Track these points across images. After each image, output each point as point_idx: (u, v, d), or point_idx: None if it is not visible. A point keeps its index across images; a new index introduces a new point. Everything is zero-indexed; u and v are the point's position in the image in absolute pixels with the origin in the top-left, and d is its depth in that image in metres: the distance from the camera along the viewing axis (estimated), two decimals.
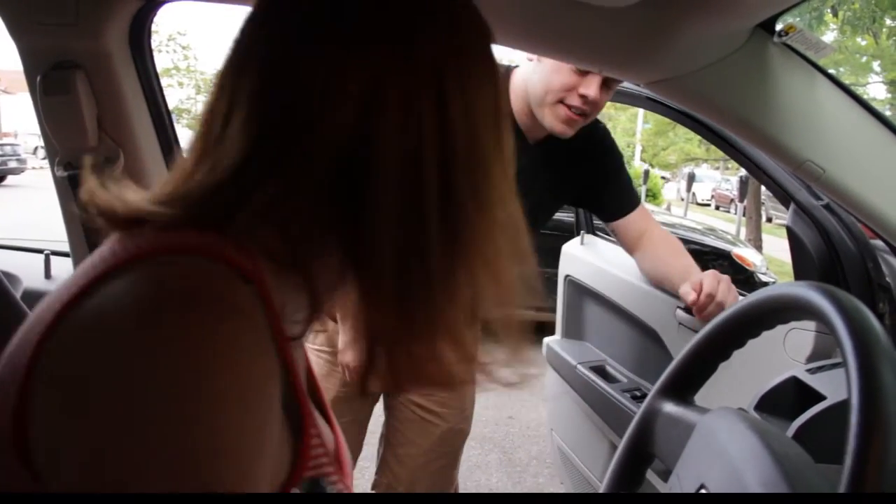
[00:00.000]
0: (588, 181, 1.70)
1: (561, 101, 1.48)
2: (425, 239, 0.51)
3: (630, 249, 1.74)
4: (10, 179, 16.76)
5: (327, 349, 1.71)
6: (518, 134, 1.57)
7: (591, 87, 1.44)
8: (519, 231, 0.60)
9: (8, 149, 17.25)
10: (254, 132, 0.51)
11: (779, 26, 1.04)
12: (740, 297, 1.40)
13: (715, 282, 1.45)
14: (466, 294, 0.56)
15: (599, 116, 1.63)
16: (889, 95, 15.26)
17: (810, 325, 1.35)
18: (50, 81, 1.27)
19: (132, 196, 0.54)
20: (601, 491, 1.04)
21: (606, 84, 1.47)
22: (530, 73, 1.52)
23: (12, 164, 16.85)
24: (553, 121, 1.50)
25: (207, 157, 0.53)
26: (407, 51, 0.51)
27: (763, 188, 11.47)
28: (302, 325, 0.54)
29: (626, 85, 1.61)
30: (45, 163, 1.44)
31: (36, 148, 23.18)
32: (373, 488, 1.86)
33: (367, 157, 0.50)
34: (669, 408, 0.94)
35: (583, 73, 1.45)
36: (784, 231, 1.54)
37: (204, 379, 0.42)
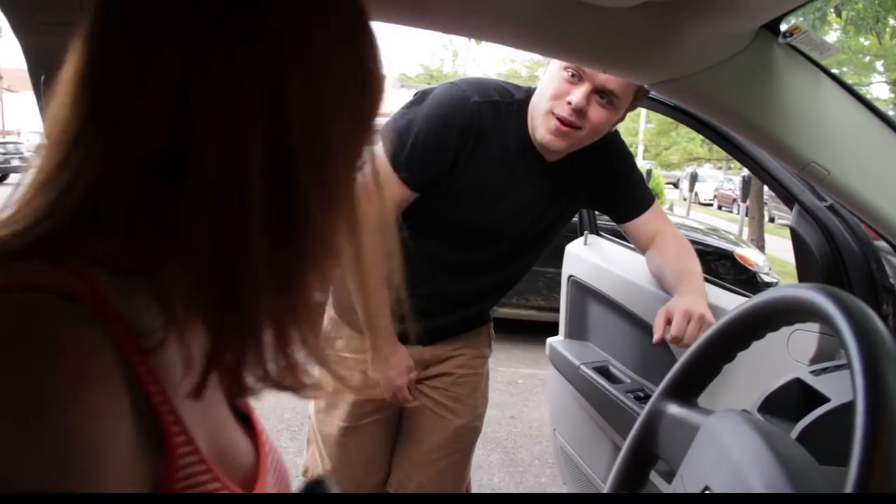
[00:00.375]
0: (599, 184, 1.68)
1: (551, 111, 1.46)
2: (249, 226, 0.47)
3: (642, 249, 1.73)
4: (13, 178, 16.79)
5: (345, 354, 1.70)
6: (537, 157, 1.56)
7: (576, 95, 1.42)
8: (382, 224, 0.58)
9: (11, 147, 17.32)
10: (72, 132, 0.49)
11: (784, 27, 1.04)
12: (741, 300, 1.39)
13: (684, 322, 1.39)
14: (306, 287, 0.52)
15: None
16: (892, 95, 15.25)
17: (814, 326, 1.35)
18: (54, 81, 1.27)
19: None
20: (605, 492, 1.04)
21: (603, 99, 1.44)
22: (536, 93, 1.52)
23: (15, 163, 16.92)
24: (543, 132, 1.48)
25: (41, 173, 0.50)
26: (231, 20, 0.46)
27: (766, 188, 11.46)
28: (160, 333, 0.49)
29: None
30: None
31: (39, 146, 23.22)
32: (387, 487, 1.86)
33: (188, 137, 0.46)
34: (673, 409, 0.94)
35: (573, 82, 1.43)
36: (786, 231, 1.54)
37: (24, 424, 0.40)
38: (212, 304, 0.48)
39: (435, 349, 1.74)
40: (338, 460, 1.77)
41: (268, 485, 0.63)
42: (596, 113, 1.45)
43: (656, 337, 1.42)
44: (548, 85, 1.48)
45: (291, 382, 0.54)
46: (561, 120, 1.44)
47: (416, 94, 1.59)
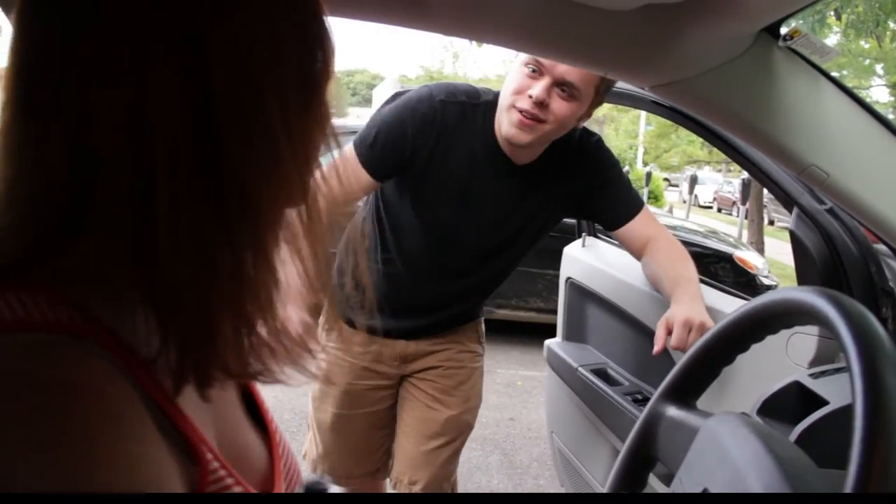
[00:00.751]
0: (584, 193, 1.68)
1: (514, 106, 1.48)
2: (178, 197, 0.45)
3: (636, 256, 1.72)
4: None
5: (336, 345, 1.76)
6: (503, 159, 1.58)
7: (536, 88, 1.44)
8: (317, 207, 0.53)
9: None
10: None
11: (784, 30, 1.04)
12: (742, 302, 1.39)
13: (685, 332, 1.39)
14: (262, 268, 0.50)
15: (601, 118, 1.62)
16: (892, 98, 15.27)
17: (813, 329, 1.35)
18: None
19: None
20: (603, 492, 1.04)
21: (564, 91, 1.46)
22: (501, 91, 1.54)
23: None
24: (507, 127, 1.50)
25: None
26: (144, 22, 0.44)
27: (765, 191, 11.48)
28: (154, 342, 0.47)
29: (628, 87, 1.61)
30: None
31: None
32: (390, 480, 1.90)
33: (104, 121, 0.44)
34: (673, 412, 0.94)
35: (534, 77, 1.45)
36: (786, 234, 1.54)
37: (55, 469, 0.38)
38: (161, 294, 0.46)
39: (419, 344, 1.78)
40: (330, 446, 1.82)
41: (282, 489, 0.63)
42: (558, 105, 1.47)
43: (657, 348, 1.42)
44: (510, 81, 1.50)
45: (254, 369, 0.52)
46: (523, 113, 1.47)
47: (392, 96, 1.67)
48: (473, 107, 1.58)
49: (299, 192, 0.51)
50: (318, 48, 0.52)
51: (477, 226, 1.63)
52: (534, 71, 1.45)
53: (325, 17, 0.53)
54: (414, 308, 1.74)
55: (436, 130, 1.54)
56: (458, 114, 1.56)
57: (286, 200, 0.51)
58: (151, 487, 0.41)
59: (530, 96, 1.45)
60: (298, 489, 0.68)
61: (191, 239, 0.45)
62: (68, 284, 0.46)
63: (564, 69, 1.43)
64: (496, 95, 1.57)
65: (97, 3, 0.44)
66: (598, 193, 1.68)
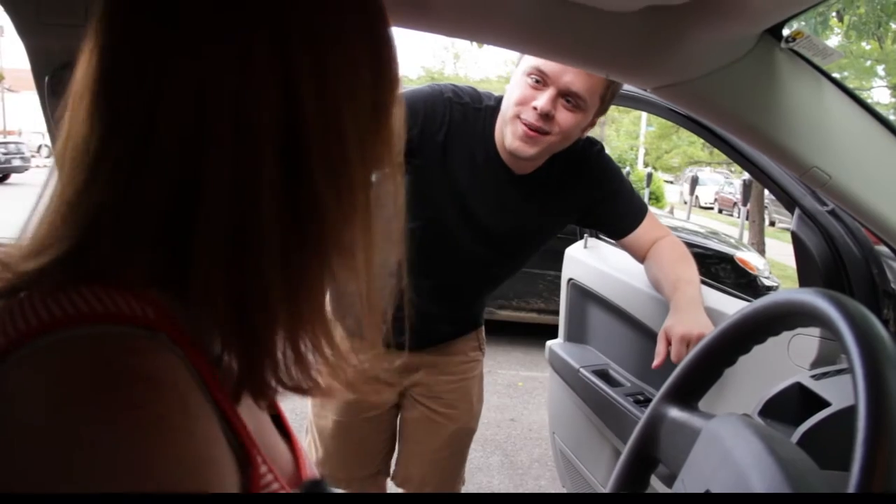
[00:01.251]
0: (587, 204, 1.65)
1: (518, 117, 1.44)
2: (262, 223, 0.47)
3: (640, 261, 1.71)
4: (14, 178, 16.82)
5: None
6: (503, 168, 1.54)
7: (541, 100, 1.40)
8: (389, 220, 0.56)
9: (12, 147, 17.34)
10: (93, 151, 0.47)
11: (786, 32, 1.04)
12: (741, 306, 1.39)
13: (683, 347, 1.39)
14: (318, 288, 0.51)
15: (602, 119, 1.61)
16: (893, 100, 15.27)
17: (814, 331, 1.35)
18: (58, 82, 1.28)
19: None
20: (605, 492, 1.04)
21: (569, 102, 1.42)
22: (503, 101, 1.51)
23: (16, 163, 16.95)
24: (511, 139, 1.46)
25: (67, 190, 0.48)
26: (241, 49, 0.46)
27: (766, 192, 11.47)
28: (216, 346, 0.49)
29: (629, 88, 1.61)
30: (50, 161, 1.45)
31: (40, 146, 23.28)
32: (391, 479, 1.92)
33: (205, 142, 0.46)
34: (674, 413, 0.94)
35: (538, 87, 1.42)
36: (787, 235, 1.54)
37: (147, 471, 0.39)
38: (231, 305, 0.48)
39: (421, 356, 1.75)
40: (330, 452, 1.82)
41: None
42: (564, 117, 1.43)
43: (656, 362, 1.42)
44: (513, 91, 1.46)
45: (307, 384, 0.54)
46: (528, 125, 1.43)
47: None
48: (476, 111, 1.54)
49: (365, 215, 0.53)
50: (388, 74, 0.54)
51: (474, 233, 1.59)
52: (537, 81, 1.42)
53: (393, 43, 0.55)
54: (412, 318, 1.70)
55: (445, 126, 1.51)
56: (461, 115, 1.53)
57: (353, 223, 0.52)
58: (211, 489, 0.42)
59: (535, 108, 1.41)
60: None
61: (273, 262, 0.47)
62: (149, 285, 0.48)
63: (570, 79, 1.40)
64: (498, 101, 1.54)
65: (194, 34, 0.46)
66: (602, 206, 1.66)
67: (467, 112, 1.54)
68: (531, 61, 1.42)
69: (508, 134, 1.47)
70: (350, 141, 0.50)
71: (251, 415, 0.55)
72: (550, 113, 1.42)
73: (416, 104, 1.50)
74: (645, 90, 1.20)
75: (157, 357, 0.43)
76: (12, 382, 0.41)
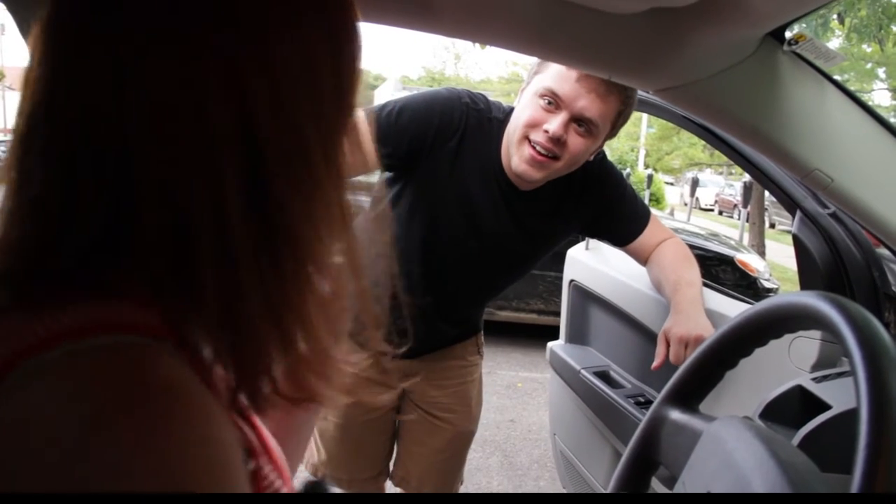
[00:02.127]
0: (591, 214, 1.63)
1: (527, 139, 1.41)
2: (228, 222, 0.45)
3: (643, 264, 1.71)
4: None
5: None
6: (506, 181, 1.52)
7: (553, 123, 1.37)
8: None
9: None
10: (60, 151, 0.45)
11: (788, 35, 1.04)
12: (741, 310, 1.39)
13: (682, 348, 1.38)
14: (302, 291, 0.50)
15: None
16: (894, 102, 15.27)
17: (815, 333, 1.35)
18: None
19: None
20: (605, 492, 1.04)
21: (581, 128, 1.39)
22: (511, 119, 1.48)
23: None
24: (518, 161, 1.42)
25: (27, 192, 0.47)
26: (189, 44, 0.44)
27: (767, 194, 11.47)
28: (208, 352, 0.49)
29: None
30: None
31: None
32: (389, 478, 1.93)
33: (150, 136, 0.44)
34: (675, 415, 0.94)
35: (550, 110, 1.38)
36: (787, 237, 1.54)
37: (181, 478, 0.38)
38: (220, 311, 0.47)
39: (422, 361, 1.75)
40: (332, 453, 1.82)
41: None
42: (574, 142, 1.40)
43: (656, 363, 1.42)
44: (522, 112, 1.42)
45: (300, 393, 0.52)
46: (537, 148, 1.39)
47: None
48: (488, 119, 1.51)
49: (338, 215, 0.52)
50: (349, 62, 0.53)
51: (479, 241, 1.57)
52: (550, 104, 1.38)
53: (355, 32, 0.53)
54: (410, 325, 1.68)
55: (460, 131, 1.48)
56: (477, 122, 1.50)
57: (325, 223, 0.51)
58: (229, 490, 0.41)
59: (546, 131, 1.37)
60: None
61: (249, 266, 0.46)
62: (148, 293, 0.46)
63: (584, 104, 1.36)
64: (507, 114, 1.51)
65: (144, 42, 0.44)
66: (606, 215, 1.65)
67: (482, 120, 1.51)
68: (544, 82, 1.39)
69: (515, 156, 1.43)
70: (307, 131, 0.49)
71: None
72: (562, 138, 1.38)
73: (433, 107, 1.48)
74: (647, 92, 1.20)
75: (173, 367, 0.42)
76: (30, 397, 0.38)
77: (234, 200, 0.45)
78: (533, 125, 1.40)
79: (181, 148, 0.44)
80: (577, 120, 1.38)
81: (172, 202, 0.44)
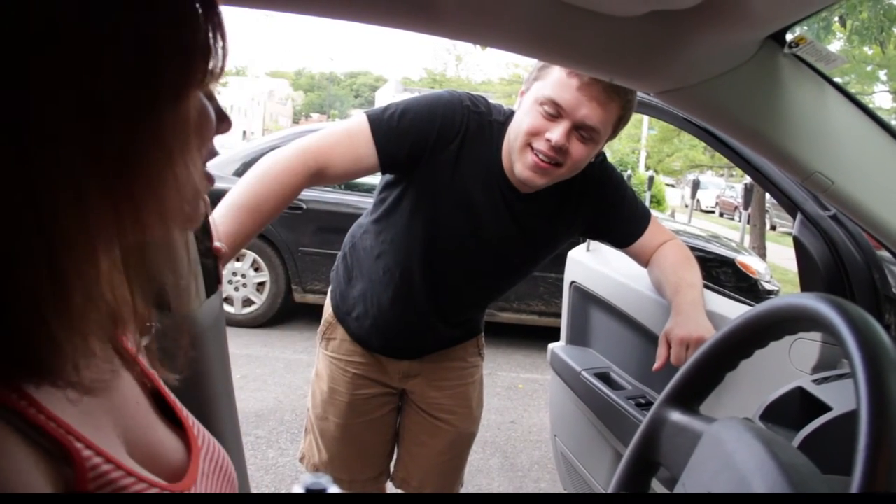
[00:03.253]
0: (592, 216, 1.64)
1: (529, 146, 1.42)
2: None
3: (644, 265, 1.71)
4: None
5: (338, 356, 1.76)
6: (508, 185, 1.53)
7: (555, 132, 1.38)
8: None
9: None
10: None
11: (789, 37, 1.04)
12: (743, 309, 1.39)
13: (682, 350, 1.39)
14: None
15: None
16: (895, 104, 15.26)
17: (815, 335, 1.36)
18: None
19: None
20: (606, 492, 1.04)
21: (583, 135, 1.40)
22: (512, 124, 1.48)
23: None
24: (521, 168, 1.44)
25: None
26: None
27: (767, 196, 11.47)
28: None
29: None
30: None
31: None
32: (390, 479, 1.93)
33: None
34: (676, 416, 0.95)
35: (551, 118, 1.39)
36: (788, 239, 1.54)
37: None
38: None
39: (422, 362, 1.77)
40: (333, 453, 1.82)
41: (199, 475, 0.64)
42: (577, 149, 1.41)
43: (657, 365, 1.43)
44: (524, 119, 1.43)
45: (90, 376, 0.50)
46: (540, 156, 1.41)
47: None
48: (489, 123, 1.52)
49: (117, 227, 0.48)
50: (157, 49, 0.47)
51: (479, 244, 1.57)
52: (551, 112, 1.39)
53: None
54: (411, 326, 1.70)
55: (461, 134, 1.49)
56: (477, 124, 1.51)
57: (103, 229, 0.47)
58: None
59: (548, 140, 1.39)
60: (226, 479, 0.70)
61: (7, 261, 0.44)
62: None
63: (585, 113, 1.37)
64: (507, 117, 1.52)
65: None
66: (606, 217, 1.65)
67: (483, 123, 1.52)
68: (544, 91, 1.40)
69: (518, 163, 1.45)
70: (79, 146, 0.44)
71: (102, 415, 0.55)
72: (564, 146, 1.39)
73: (435, 110, 1.49)
74: (648, 94, 1.20)
75: None
76: None
77: None
78: (535, 133, 1.41)
79: None
80: (579, 127, 1.39)
81: None
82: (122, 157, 0.46)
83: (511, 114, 1.53)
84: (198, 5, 0.48)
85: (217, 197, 1.03)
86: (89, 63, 0.43)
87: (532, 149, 1.41)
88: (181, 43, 0.48)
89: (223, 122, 0.56)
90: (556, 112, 1.39)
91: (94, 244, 0.47)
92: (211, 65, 0.50)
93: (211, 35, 0.49)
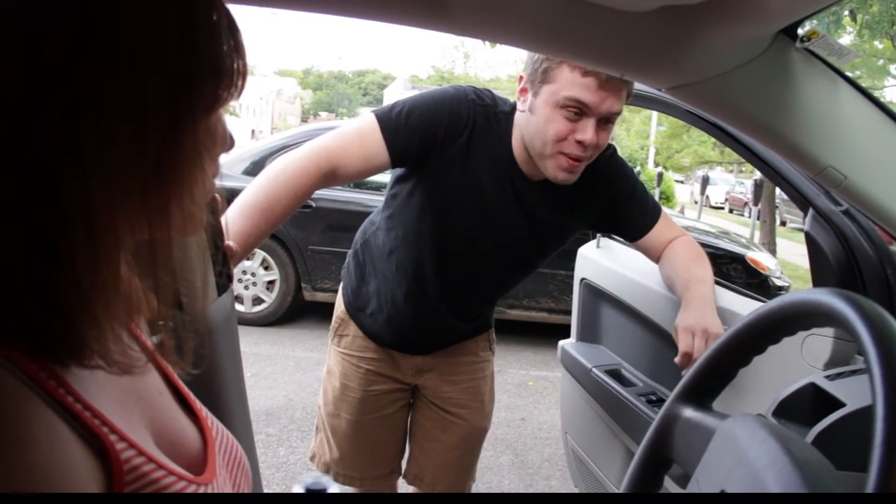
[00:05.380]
0: (602, 208, 1.65)
1: (560, 152, 1.43)
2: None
3: (655, 261, 1.71)
4: None
5: (351, 352, 1.77)
6: (520, 174, 1.54)
7: (587, 132, 1.40)
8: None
9: None
10: None
11: (801, 32, 1.04)
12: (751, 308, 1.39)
13: (689, 338, 1.39)
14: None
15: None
16: None
17: (828, 331, 1.35)
18: None
19: None
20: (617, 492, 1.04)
21: (602, 122, 1.42)
22: (524, 124, 1.49)
23: None
24: (555, 171, 1.46)
25: None
26: None
27: (777, 191, 11.42)
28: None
29: (640, 87, 1.60)
30: None
31: None
32: (403, 476, 1.94)
33: None
34: (689, 413, 0.94)
35: (576, 119, 1.40)
36: (798, 235, 1.54)
37: None
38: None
39: (434, 357, 1.78)
40: (344, 450, 1.83)
41: (217, 465, 0.66)
42: (602, 137, 1.44)
43: (679, 358, 1.41)
44: (546, 127, 1.43)
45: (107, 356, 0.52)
46: (574, 157, 1.43)
47: None
48: (496, 114, 1.54)
49: (144, 222, 0.51)
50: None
51: (491, 236, 1.58)
52: (575, 113, 1.40)
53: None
54: (425, 321, 1.71)
55: (469, 128, 1.50)
56: (484, 117, 1.52)
57: (129, 229, 0.50)
58: (56, 489, 0.43)
59: (580, 141, 1.40)
60: (241, 471, 0.72)
61: (38, 252, 0.46)
62: None
63: (610, 104, 1.39)
64: (512, 107, 1.53)
65: None
66: (616, 209, 1.66)
67: (489, 115, 1.53)
68: (564, 92, 1.39)
69: (550, 168, 1.46)
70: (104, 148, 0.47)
71: (133, 405, 0.57)
72: (595, 142, 1.42)
73: (442, 105, 1.50)
74: (659, 90, 1.20)
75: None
76: None
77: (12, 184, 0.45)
78: (562, 138, 1.42)
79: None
80: (601, 119, 1.41)
81: None
82: (160, 157, 0.49)
83: (514, 105, 1.54)
84: (226, 24, 0.52)
85: (231, 196, 1.04)
86: (144, 71, 0.47)
87: (564, 154, 1.43)
88: (218, 55, 0.51)
89: (229, 140, 0.60)
90: (580, 111, 1.40)
91: (120, 235, 0.49)
92: (235, 80, 0.53)
93: (235, 53, 0.53)
